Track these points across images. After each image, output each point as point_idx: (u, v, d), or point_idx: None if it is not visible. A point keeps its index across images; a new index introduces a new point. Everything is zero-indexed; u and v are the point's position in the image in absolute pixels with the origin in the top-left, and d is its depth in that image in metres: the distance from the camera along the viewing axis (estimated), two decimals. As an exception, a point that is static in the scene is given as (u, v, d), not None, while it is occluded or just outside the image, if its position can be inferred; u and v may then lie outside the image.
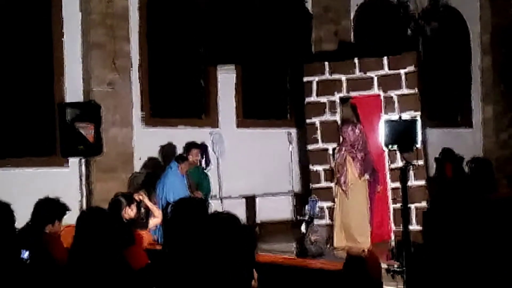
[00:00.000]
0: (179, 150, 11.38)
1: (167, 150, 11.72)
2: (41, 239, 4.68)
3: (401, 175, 6.69)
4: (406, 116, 10.19)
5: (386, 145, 6.94)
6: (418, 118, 6.39)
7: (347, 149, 10.30)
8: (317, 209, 7.54)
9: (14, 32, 10.86)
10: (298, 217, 7.91)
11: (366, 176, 10.22)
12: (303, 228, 7.26)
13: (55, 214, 5.96)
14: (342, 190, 10.24)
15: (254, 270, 3.65)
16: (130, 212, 7.15)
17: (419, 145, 6.60)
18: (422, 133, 6.52)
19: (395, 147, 6.96)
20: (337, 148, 10.54)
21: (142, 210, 7.69)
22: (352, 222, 10.16)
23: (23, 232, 4.50)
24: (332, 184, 10.68)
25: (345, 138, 10.37)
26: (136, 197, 7.51)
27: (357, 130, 10.33)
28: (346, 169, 10.24)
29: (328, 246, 6.80)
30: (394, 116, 8.15)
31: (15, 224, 4.15)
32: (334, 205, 10.50)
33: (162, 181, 10.17)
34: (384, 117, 9.48)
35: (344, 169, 10.25)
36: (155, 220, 7.52)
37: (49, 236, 5.62)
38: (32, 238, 4.08)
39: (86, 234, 3.78)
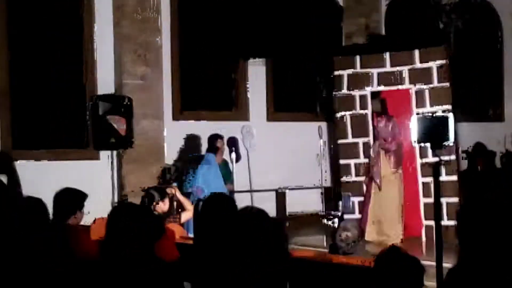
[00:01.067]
0: (203, 142, 11.38)
1: (191, 141, 11.75)
2: (65, 232, 4.68)
3: (433, 172, 6.64)
4: (438, 112, 10.19)
5: (418, 142, 6.90)
6: (451, 114, 6.30)
7: (381, 142, 10.27)
8: (350, 204, 7.53)
9: (47, 25, 10.96)
10: (331, 212, 7.91)
11: (400, 170, 10.19)
12: (335, 223, 7.25)
13: (76, 205, 5.83)
14: (376, 183, 10.21)
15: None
16: (163, 206, 7.19)
17: (451, 142, 6.54)
18: (454, 129, 6.45)
19: (427, 144, 6.91)
20: (371, 142, 10.51)
21: (175, 204, 7.72)
22: (384, 216, 10.14)
23: (47, 227, 4.45)
24: (362, 178, 10.66)
25: (379, 132, 10.34)
26: (169, 191, 7.54)
27: (390, 124, 10.30)
28: (380, 163, 10.21)
29: (359, 242, 6.78)
30: (426, 113, 8.11)
31: (49, 219, 4.18)
32: (364, 199, 10.49)
33: (203, 173, 10.13)
34: (416, 113, 9.44)
35: (377, 162, 10.23)
36: (187, 214, 7.55)
37: (73, 228, 5.58)
38: (56, 232, 4.08)
39: (118, 228, 3.82)
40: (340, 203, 7.18)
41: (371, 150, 10.43)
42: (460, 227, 3.59)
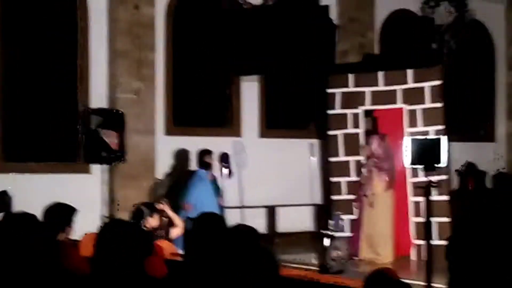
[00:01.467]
0: (192, 157, 11.38)
1: (181, 156, 11.75)
2: (56, 248, 4.63)
3: (425, 193, 6.66)
4: (431, 132, 10.21)
5: (411, 164, 6.91)
6: (444, 137, 6.34)
7: (373, 161, 10.28)
8: (341, 223, 7.52)
9: (40, 38, 10.97)
10: (321, 231, 7.89)
11: (391, 189, 10.18)
12: (326, 243, 7.24)
13: (66, 220, 5.74)
14: (368, 202, 10.21)
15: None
16: (152, 221, 7.17)
17: (444, 164, 6.57)
18: (447, 152, 6.47)
19: (420, 166, 6.93)
20: (364, 160, 10.52)
21: (164, 219, 7.70)
22: (375, 233, 10.13)
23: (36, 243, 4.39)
24: (353, 197, 10.65)
25: (371, 150, 10.34)
26: (158, 206, 7.53)
27: (384, 143, 10.30)
28: (371, 181, 10.22)
29: (349, 262, 6.78)
30: (419, 134, 8.12)
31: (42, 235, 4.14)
32: (355, 217, 10.48)
33: (194, 189, 10.12)
34: (409, 135, 9.45)
35: (370, 180, 10.24)
36: (177, 230, 7.53)
37: (63, 244, 5.53)
38: (47, 249, 4.05)
39: (107, 245, 3.80)
40: (331, 222, 7.18)
41: (364, 168, 10.43)
42: (450, 250, 3.60)
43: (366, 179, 10.29)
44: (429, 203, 6.68)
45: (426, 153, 6.45)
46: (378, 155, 10.25)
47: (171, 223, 7.73)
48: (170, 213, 7.79)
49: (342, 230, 10.18)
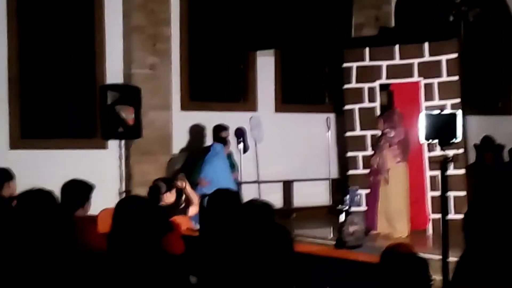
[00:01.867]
0: (208, 132, 11.38)
1: (197, 131, 11.77)
2: (73, 225, 4.66)
3: (441, 167, 6.63)
4: (447, 106, 10.16)
5: (426, 139, 6.88)
6: (459, 111, 6.28)
7: (384, 135, 10.25)
8: (357, 198, 7.51)
9: (57, 15, 10.97)
10: (338, 206, 7.89)
11: (404, 162, 10.14)
12: (342, 218, 7.23)
13: (84, 196, 5.78)
14: (381, 177, 10.19)
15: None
16: (169, 197, 7.20)
17: (459, 139, 6.52)
18: (463, 126, 6.43)
19: (435, 141, 6.90)
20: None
21: (183, 196, 7.71)
22: (390, 208, 10.13)
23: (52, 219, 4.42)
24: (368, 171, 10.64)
25: (382, 125, 10.30)
26: (179, 183, 7.52)
27: (394, 116, 10.25)
28: (384, 155, 10.19)
29: (366, 236, 6.78)
30: (435, 109, 8.07)
31: (59, 211, 4.17)
32: (370, 191, 10.47)
33: (210, 165, 10.12)
34: (424, 110, 9.39)
35: (381, 155, 10.21)
36: (194, 208, 7.53)
37: (81, 220, 5.57)
38: (65, 225, 4.07)
39: (124, 222, 3.83)
40: (347, 196, 7.16)
41: (377, 143, 10.41)
42: (467, 224, 3.60)
43: (379, 154, 10.27)
44: (444, 177, 6.66)
45: (441, 128, 6.41)
46: (389, 129, 10.20)
47: (189, 201, 7.74)
48: (190, 190, 7.79)
49: (358, 205, 10.20)
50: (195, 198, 7.70)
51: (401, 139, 10.17)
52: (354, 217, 7.06)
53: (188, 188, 7.77)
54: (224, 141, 10.46)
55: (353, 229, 6.61)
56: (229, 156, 10.77)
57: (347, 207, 7.36)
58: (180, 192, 7.57)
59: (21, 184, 6.38)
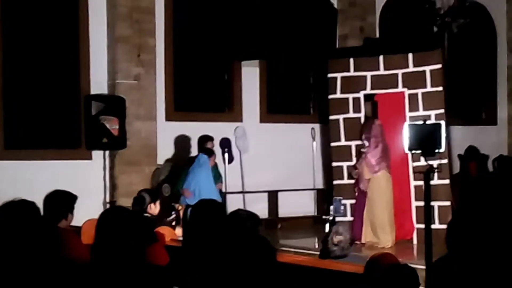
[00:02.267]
0: (193, 143, 11.39)
1: (182, 142, 11.75)
2: (57, 237, 4.63)
3: (425, 178, 6.66)
4: (431, 116, 10.19)
5: (410, 150, 6.91)
6: (443, 122, 6.32)
7: (365, 146, 10.27)
8: (342, 208, 7.51)
9: (41, 25, 10.95)
10: (323, 216, 7.90)
11: (379, 173, 10.13)
12: (327, 228, 7.24)
13: (67, 207, 5.70)
14: (361, 186, 10.22)
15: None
16: (154, 208, 7.19)
17: (443, 149, 6.55)
18: (446, 137, 6.47)
19: (419, 151, 6.94)
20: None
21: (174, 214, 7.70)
22: (374, 218, 10.15)
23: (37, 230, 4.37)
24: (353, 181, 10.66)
25: (363, 134, 10.34)
26: (177, 207, 7.53)
27: (374, 126, 10.27)
28: (361, 166, 10.22)
29: (351, 246, 6.77)
30: (419, 119, 8.11)
31: (41, 222, 4.14)
32: (355, 201, 10.48)
33: (193, 176, 10.12)
34: (407, 120, 9.44)
35: (360, 165, 10.25)
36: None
37: (65, 231, 5.52)
38: (48, 236, 4.03)
39: (107, 233, 3.81)
40: (331, 207, 7.17)
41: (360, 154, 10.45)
42: (450, 233, 3.61)
43: (358, 164, 10.31)
44: (428, 187, 6.68)
45: (425, 138, 6.45)
46: (368, 138, 10.23)
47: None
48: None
49: (342, 215, 10.20)
50: None
51: (379, 149, 10.17)
52: (339, 227, 7.05)
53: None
54: (210, 152, 10.45)
55: (338, 239, 6.61)
56: (214, 167, 10.76)
57: (332, 217, 7.36)
58: (174, 209, 7.55)
59: (5, 195, 6.33)
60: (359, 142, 10.65)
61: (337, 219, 9.59)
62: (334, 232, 6.72)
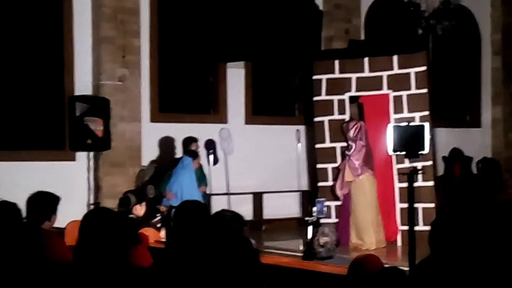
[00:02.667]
0: (178, 144, 11.38)
1: (167, 143, 11.73)
2: (40, 238, 4.59)
3: (408, 180, 6.68)
4: (416, 118, 10.22)
5: (394, 151, 6.93)
6: (427, 124, 6.34)
7: (347, 147, 10.29)
8: (325, 209, 7.52)
9: (25, 25, 10.89)
10: (305, 218, 7.90)
11: (361, 176, 10.14)
12: (309, 229, 7.25)
13: (50, 208, 5.64)
14: (342, 189, 10.23)
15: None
16: (139, 210, 7.16)
17: (426, 151, 6.57)
18: (430, 139, 6.50)
19: (403, 153, 6.96)
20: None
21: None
22: (357, 221, 10.16)
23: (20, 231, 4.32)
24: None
25: (346, 136, 10.35)
26: (161, 209, 7.53)
27: (357, 128, 10.27)
28: (343, 168, 10.24)
29: (337, 248, 6.79)
30: (403, 121, 8.15)
31: (23, 223, 4.11)
32: (340, 203, 10.50)
33: (176, 177, 10.11)
34: (392, 122, 9.47)
35: (343, 168, 10.26)
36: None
37: (48, 233, 5.48)
38: (31, 237, 4.00)
39: (90, 234, 3.79)
40: (314, 208, 7.18)
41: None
42: (433, 234, 3.62)
43: (342, 166, 10.33)
44: (412, 189, 6.70)
45: (408, 140, 6.48)
46: (351, 140, 10.24)
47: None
48: None
49: (325, 216, 10.20)
50: None
51: (363, 153, 10.19)
52: (325, 228, 7.06)
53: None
54: (194, 154, 10.43)
55: (324, 241, 6.62)
56: (199, 169, 10.75)
57: (315, 219, 7.37)
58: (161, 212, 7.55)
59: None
60: (344, 144, 10.66)
61: (322, 220, 9.58)
62: (320, 234, 6.72)
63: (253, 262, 3.37)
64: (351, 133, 10.21)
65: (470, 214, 3.63)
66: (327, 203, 10.34)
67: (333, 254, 6.64)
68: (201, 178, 10.71)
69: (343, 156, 10.52)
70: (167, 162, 11.20)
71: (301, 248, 9.36)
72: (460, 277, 3.39)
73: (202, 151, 11.23)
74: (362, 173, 10.12)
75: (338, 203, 10.57)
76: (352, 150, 10.15)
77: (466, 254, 3.51)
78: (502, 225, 4.71)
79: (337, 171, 10.66)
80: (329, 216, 10.48)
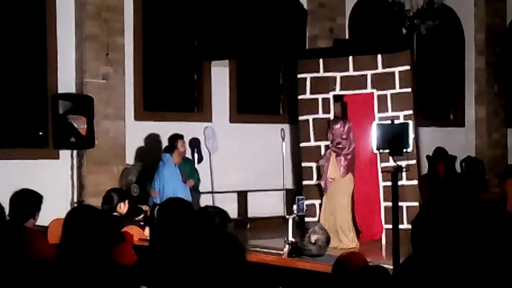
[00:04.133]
0: (163, 142, 11.36)
1: (151, 141, 11.70)
2: (23, 236, 4.56)
3: (392, 178, 6.70)
4: (400, 117, 10.24)
5: (378, 149, 6.95)
6: (410, 122, 6.36)
7: (333, 146, 10.26)
8: (305, 208, 7.53)
9: (8, 23, 10.82)
10: (286, 216, 7.92)
11: (349, 175, 10.14)
12: (290, 228, 7.26)
13: (34, 207, 5.63)
14: (324, 188, 10.21)
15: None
16: (123, 208, 7.15)
17: (410, 149, 6.60)
18: (414, 136, 6.52)
19: (387, 151, 6.98)
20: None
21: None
22: (335, 221, 10.09)
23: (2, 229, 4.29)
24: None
25: (332, 135, 10.32)
26: (144, 208, 7.53)
27: (344, 128, 10.26)
28: (328, 167, 10.20)
29: (328, 245, 6.80)
30: (387, 119, 8.17)
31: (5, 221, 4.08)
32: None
33: (158, 175, 10.11)
34: (376, 120, 9.48)
35: (327, 167, 10.22)
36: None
37: (31, 231, 5.45)
38: (14, 235, 3.97)
39: (73, 232, 3.76)
40: (294, 206, 7.19)
41: (324, 153, 10.45)
42: (414, 231, 3.61)
43: (326, 164, 10.27)
44: (396, 188, 6.72)
45: (392, 138, 6.50)
46: (338, 139, 10.23)
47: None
48: None
49: (306, 214, 10.16)
50: None
51: (351, 152, 10.19)
52: (317, 226, 7.07)
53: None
54: (170, 148, 10.33)
55: (316, 238, 6.63)
56: (188, 164, 10.74)
57: (294, 216, 7.38)
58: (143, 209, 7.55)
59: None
60: (328, 143, 10.66)
61: (301, 219, 9.55)
62: (311, 231, 6.73)
63: (238, 258, 3.35)
64: (343, 131, 10.17)
65: (451, 213, 3.63)
66: (311, 201, 10.38)
67: (324, 252, 6.65)
68: (191, 172, 10.67)
69: (325, 153, 10.49)
70: (151, 160, 11.16)
71: (286, 246, 9.37)
72: (443, 276, 3.39)
73: (186, 150, 11.20)
74: (347, 173, 10.12)
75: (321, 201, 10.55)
76: (344, 149, 10.12)
77: (448, 253, 3.50)
78: (484, 225, 4.71)
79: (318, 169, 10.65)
80: (313, 215, 10.50)
